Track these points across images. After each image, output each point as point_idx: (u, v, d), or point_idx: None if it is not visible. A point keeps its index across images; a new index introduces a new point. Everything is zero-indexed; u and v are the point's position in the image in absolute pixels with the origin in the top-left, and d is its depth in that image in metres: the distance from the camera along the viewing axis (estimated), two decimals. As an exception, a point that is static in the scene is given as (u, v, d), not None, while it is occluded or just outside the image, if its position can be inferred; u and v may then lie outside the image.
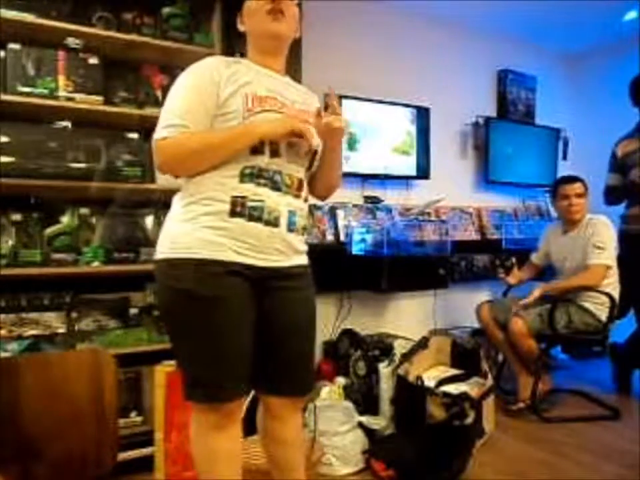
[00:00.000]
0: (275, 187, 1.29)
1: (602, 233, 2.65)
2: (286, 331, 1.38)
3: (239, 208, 1.24)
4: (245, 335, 1.30)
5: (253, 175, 1.27)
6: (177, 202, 1.33)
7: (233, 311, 1.27)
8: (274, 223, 1.28)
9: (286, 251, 1.33)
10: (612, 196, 3.04)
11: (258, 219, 1.26)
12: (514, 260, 2.99)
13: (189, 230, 1.25)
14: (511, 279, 2.96)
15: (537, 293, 2.72)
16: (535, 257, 3.02)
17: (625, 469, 2.11)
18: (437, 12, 3.33)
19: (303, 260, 1.42)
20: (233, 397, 1.30)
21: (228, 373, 1.28)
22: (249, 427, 1.95)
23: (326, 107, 1.37)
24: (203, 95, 1.27)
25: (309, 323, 1.44)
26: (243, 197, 1.25)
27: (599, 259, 2.61)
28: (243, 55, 1.47)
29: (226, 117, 1.28)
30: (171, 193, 2.20)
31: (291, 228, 1.32)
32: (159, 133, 1.26)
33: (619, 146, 3.00)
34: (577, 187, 2.80)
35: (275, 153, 1.30)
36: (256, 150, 1.27)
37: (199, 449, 1.35)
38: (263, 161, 1.28)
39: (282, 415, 1.43)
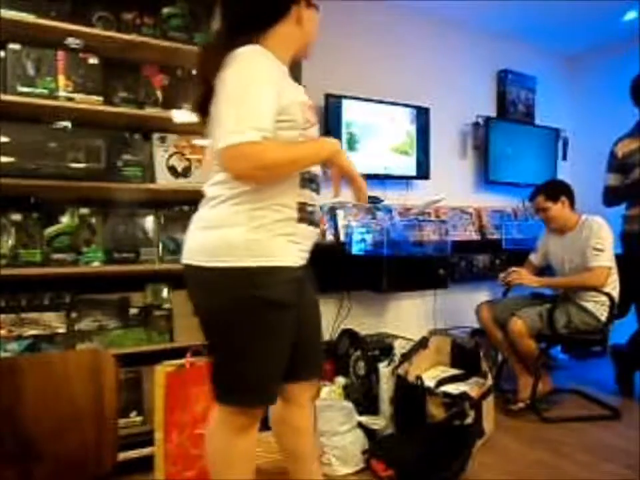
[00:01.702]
0: (317, 190, 1.35)
1: (599, 234, 2.65)
2: (306, 319, 1.42)
3: (303, 213, 1.28)
4: (294, 338, 1.33)
5: (309, 181, 1.31)
6: (229, 208, 1.24)
7: (294, 316, 1.30)
8: (318, 224, 1.36)
9: None
10: (612, 196, 3.02)
11: (312, 223, 1.31)
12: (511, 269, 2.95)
13: (265, 237, 1.23)
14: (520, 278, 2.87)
15: (537, 280, 2.75)
16: (533, 257, 3.02)
17: (625, 468, 2.11)
18: (437, 12, 3.34)
19: None
20: (275, 399, 1.34)
21: (277, 377, 1.31)
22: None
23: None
24: (276, 97, 1.21)
25: (319, 310, 1.50)
26: (304, 203, 1.29)
27: (600, 261, 2.61)
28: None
29: (285, 124, 1.24)
30: (171, 193, 2.19)
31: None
32: (245, 136, 1.13)
33: (618, 146, 2.99)
34: (537, 203, 2.85)
35: None
36: None
37: (221, 450, 1.34)
38: (313, 166, 1.33)
39: (300, 400, 1.47)
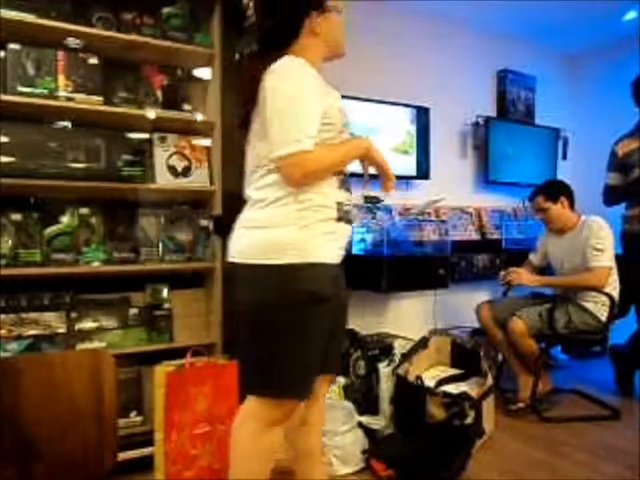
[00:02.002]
0: (349, 190, 1.43)
1: (599, 234, 2.65)
2: (338, 315, 1.47)
3: (341, 213, 1.36)
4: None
5: (343, 182, 1.40)
6: (275, 209, 1.32)
7: (332, 310, 1.38)
8: (352, 222, 1.44)
9: None
10: (612, 196, 3.02)
11: (348, 221, 1.40)
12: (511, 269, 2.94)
13: (310, 236, 1.31)
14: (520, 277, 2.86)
15: (537, 279, 2.76)
16: (533, 257, 3.01)
17: (625, 469, 2.11)
18: (437, 12, 3.34)
19: None
20: (311, 393, 1.39)
21: (315, 369, 1.38)
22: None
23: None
24: (318, 105, 1.31)
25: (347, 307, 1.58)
26: (341, 203, 1.37)
27: (600, 262, 2.61)
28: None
29: (325, 128, 1.33)
30: (171, 193, 2.19)
31: None
32: (301, 144, 1.24)
33: (619, 145, 2.98)
34: (537, 203, 2.84)
35: None
36: None
37: (247, 443, 1.37)
38: (345, 168, 1.42)
39: (316, 394, 1.49)
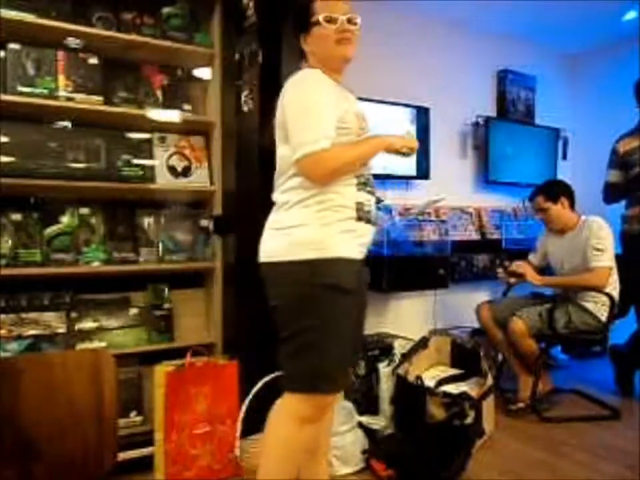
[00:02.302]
0: (371, 192, 1.49)
1: (599, 234, 2.64)
2: (360, 309, 1.56)
3: (361, 213, 1.43)
4: None
5: (364, 184, 1.46)
6: (297, 210, 1.39)
7: (357, 303, 1.46)
8: (374, 223, 1.50)
9: None
10: (612, 193, 3.02)
11: (369, 221, 1.46)
12: (507, 263, 2.95)
13: (330, 233, 1.38)
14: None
15: (539, 278, 2.76)
16: (532, 258, 3.01)
17: (625, 469, 2.11)
18: (437, 12, 3.33)
19: None
20: (345, 386, 1.46)
21: (347, 362, 1.46)
22: (249, 427, 1.96)
23: None
24: (333, 109, 1.39)
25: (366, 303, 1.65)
26: (361, 203, 1.43)
27: (601, 262, 2.60)
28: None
29: (342, 132, 1.40)
30: (171, 193, 2.20)
31: None
32: (320, 144, 1.32)
33: (620, 143, 2.98)
34: (536, 203, 2.84)
35: (366, 164, 1.49)
36: (363, 163, 1.46)
37: (284, 440, 1.40)
38: (366, 171, 1.49)
39: None
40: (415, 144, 1.55)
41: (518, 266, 2.85)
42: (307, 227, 1.37)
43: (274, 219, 1.45)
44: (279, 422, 1.43)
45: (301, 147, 1.34)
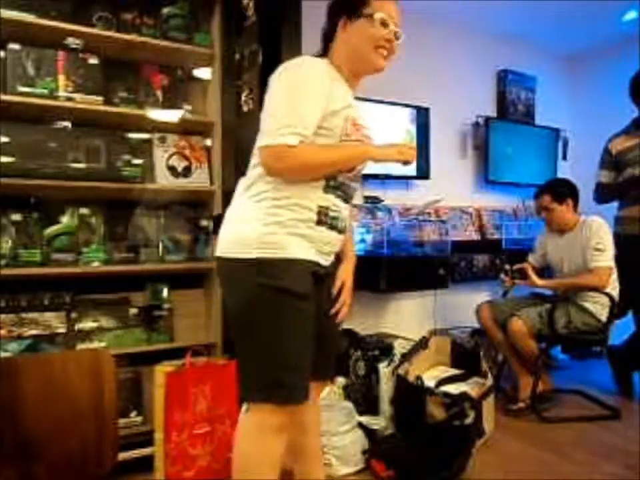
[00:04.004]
0: (345, 199, 1.38)
1: (600, 234, 2.64)
2: (327, 319, 1.44)
3: (323, 217, 1.31)
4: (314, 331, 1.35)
5: (335, 187, 1.33)
6: (251, 205, 1.30)
7: (313, 309, 1.33)
8: (343, 231, 1.39)
9: (337, 251, 1.44)
10: (604, 194, 2.99)
11: (334, 228, 1.34)
12: (507, 267, 2.94)
13: (279, 232, 1.26)
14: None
15: (540, 281, 2.75)
16: (532, 259, 3.00)
17: (625, 469, 2.11)
18: (437, 12, 3.33)
19: None
20: (306, 396, 1.31)
21: (303, 370, 1.30)
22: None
23: None
24: (321, 104, 1.26)
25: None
26: (326, 208, 1.31)
27: (601, 262, 2.60)
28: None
29: (321, 132, 1.28)
30: (171, 193, 2.19)
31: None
32: (285, 138, 1.21)
33: (612, 143, 2.97)
34: (542, 201, 2.82)
35: (351, 169, 1.36)
36: None
37: (253, 453, 1.31)
38: (342, 175, 1.34)
39: (310, 398, 1.44)
40: (411, 155, 1.44)
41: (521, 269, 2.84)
42: (256, 223, 1.26)
43: (229, 208, 1.36)
44: (246, 435, 1.33)
45: (263, 135, 1.25)
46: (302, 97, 1.24)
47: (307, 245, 1.29)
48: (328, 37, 1.41)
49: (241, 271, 1.28)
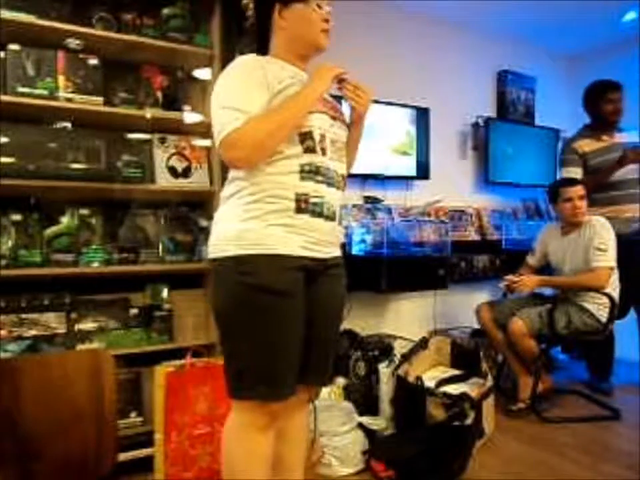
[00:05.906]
0: (330, 184, 1.34)
1: (602, 234, 2.64)
2: (324, 321, 1.41)
3: (303, 204, 1.28)
4: (302, 330, 1.32)
5: (311, 172, 1.30)
6: (231, 203, 1.31)
7: (298, 306, 1.30)
8: (332, 218, 1.35)
9: (335, 241, 1.41)
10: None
11: (319, 215, 1.31)
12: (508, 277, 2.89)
13: (257, 227, 1.26)
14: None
15: (535, 280, 2.73)
16: (530, 258, 3.00)
17: (625, 469, 2.11)
18: (436, 12, 3.34)
19: (339, 251, 1.47)
20: (291, 394, 1.30)
21: (289, 369, 1.29)
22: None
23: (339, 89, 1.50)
24: (258, 91, 1.27)
25: (341, 313, 1.49)
26: (306, 194, 1.29)
27: (602, 262, 2.59)
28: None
29: None
30: (171, 193, 2.19)
31: (339, 221, 1.42)
32: (227, 127, 1.22)
33: (578, 143, 3.04)
34: (579, 189, 2.74)
35: (324, 151, 1.34)
36: (309, 149, 1.31)
37: (238, 451, 1.32)
38: (317, 158, 1.32)
39: (296, 406, 1.43)
40: (332, 72, 1.40)
41: (516, 282, 2.73)
42: (234, 220, 1.27)
43: (216, 214, 1.38)
44: (232, 434, 1.33)
45: (216, 137, 1.26)
46: (234, 93, 1.27)
47: (291, 236, 1.27)
48: (262, 29, 1.44)
49: (222, 270, 1.29)
